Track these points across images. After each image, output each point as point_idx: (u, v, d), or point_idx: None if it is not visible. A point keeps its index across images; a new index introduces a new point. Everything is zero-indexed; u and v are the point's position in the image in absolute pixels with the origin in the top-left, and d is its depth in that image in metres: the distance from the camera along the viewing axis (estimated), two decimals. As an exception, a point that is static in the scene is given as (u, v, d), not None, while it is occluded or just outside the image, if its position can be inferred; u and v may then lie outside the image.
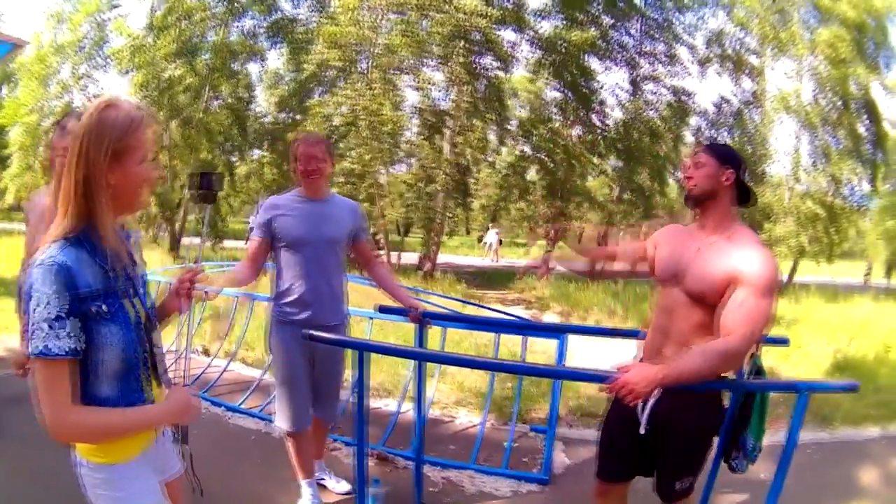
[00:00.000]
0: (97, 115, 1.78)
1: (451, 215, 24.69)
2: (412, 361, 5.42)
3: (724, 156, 2.94)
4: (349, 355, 4.20)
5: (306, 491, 4.19)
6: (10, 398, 4.81)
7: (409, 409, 5.68)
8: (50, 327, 1.64)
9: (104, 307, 1.76)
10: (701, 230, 2.99)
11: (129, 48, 26.23)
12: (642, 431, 2.92)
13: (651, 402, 2.86)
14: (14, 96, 34.71)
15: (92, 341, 1.73)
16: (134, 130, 1.81)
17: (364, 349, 3.54)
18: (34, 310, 1.66)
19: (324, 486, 4.44)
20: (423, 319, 4.28)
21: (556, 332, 5.85)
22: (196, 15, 25.16)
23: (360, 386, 3.53)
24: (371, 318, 6.08)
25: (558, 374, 4.76)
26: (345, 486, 4.47)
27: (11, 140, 33.68)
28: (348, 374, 4.68)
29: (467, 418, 6.05)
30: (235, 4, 25.15)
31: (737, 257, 2.72)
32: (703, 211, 2.97)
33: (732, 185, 2.89)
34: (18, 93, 33.82)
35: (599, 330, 7.02)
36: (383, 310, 4.40)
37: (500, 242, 36.38)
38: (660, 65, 24.41)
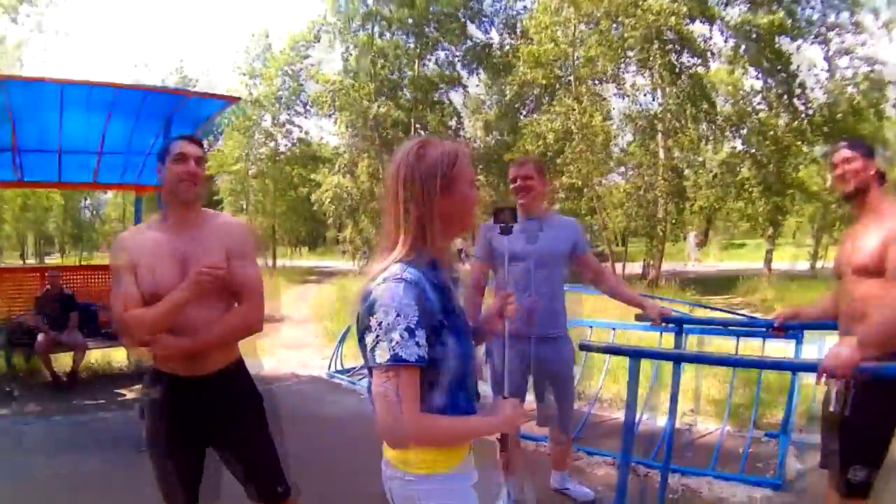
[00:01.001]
0: (418, 155, 1.93)
1: (673, 221, 24.28)
2: (651, 370, 5.76)
3: (865, 149, 3.22)
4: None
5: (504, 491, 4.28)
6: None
7: (647, 417, 5.74)
8: (402, 337, 1.75)
9: (445, 321, 1.87)
10: (859, 220, 3.28)
11: (328, 93, 28.27)
12: (831, 409, 3.09)
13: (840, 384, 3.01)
14: (216, 148, 38.11)
15: (435, 353, 1.83)
16: (456, 161, 1.95)
17: (637, 356, 3.60)
18: (381, 322, 1.77)
19: (567, 495, 4.57)
20: (668, 323, 4.33)
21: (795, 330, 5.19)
22: (389, 53, 27.19)
23: (632, 394, 3.57)
24: (613, 329, 6.38)
25: (782, 366, 4.57)
26: (588, 494, 4.58)
27: (221, 187, 36.88)
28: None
29: (703, 426, 6.09)
30: (426, 39, 27.03)
31: (889, 224, 3.00)
32: (859, 203, 3.24)
33: (876, 172, 3.15)
34: (222, 144, 37.47)
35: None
36: (640, 318, 4.36)
37: (699, 245, 35.80)
38: (848, 34, 23.57)
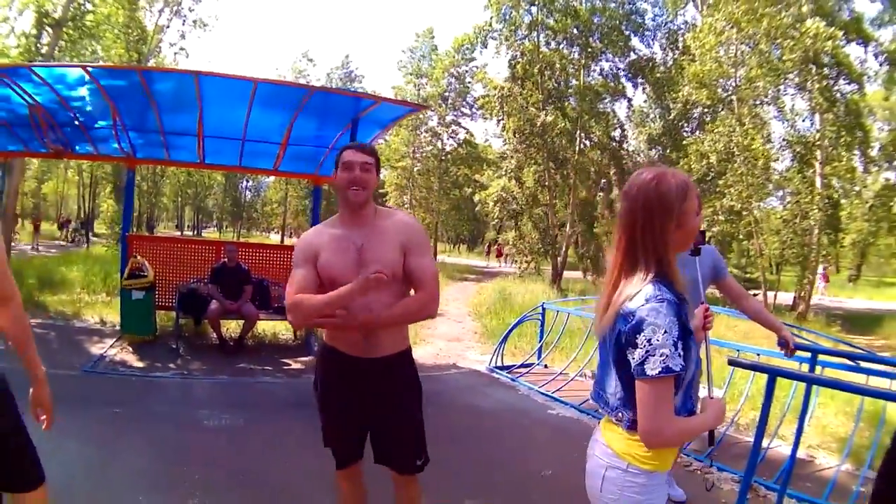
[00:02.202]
0: (656, 190, 2.12)
1: (824, 252, 24.29)
2: (787, 400, 6.18)
3: None
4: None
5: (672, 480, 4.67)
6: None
7: (776, 444, 6.05)
8: (670, 351, 1.95)
9: (689, 330, 2.08)
10: None
11: (496, 98, 29.88)
12: None
13: None
14: (379, 143, 40.48)
15: (685, 360, 2.01)
16: (688, 195, 2.13)
17: (775, 374, 3.86)
18: (650, 339, 1.98)
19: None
20: (801, 350, 4.56)
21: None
22: (556, 62, 28.29)
23: (765, 411, 3.82)
24: (758, 355, 6.29)
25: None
26: (680, 495, 4.88)
27: (387, 181, 39.95)
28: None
29: (825, 460, 6.21)
30: (590, 50, 28.15)
31: None
32: None
33: None
34: (388, 140, 40.14)
35: None
36: (780, 345, 4.44)
37: (827, 279, 34.36)
38: None
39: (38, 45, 20.03)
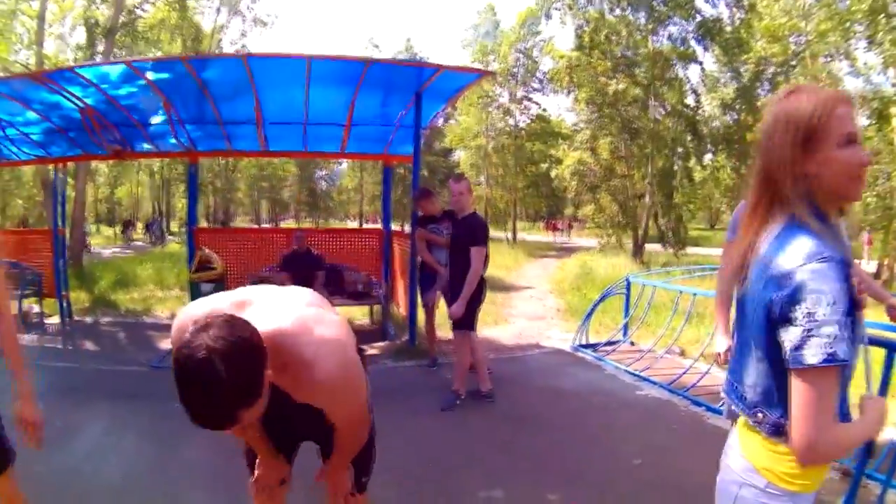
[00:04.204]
0: (782, 103, 1.81)
1: None
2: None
3: None
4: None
5: None
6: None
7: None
8: (837, 331, 1.55)
9: (858, 304, 1.62)
10: None
11: (565, 69, 29.77)
12: None
13: None
14: (450, 123, 42.11)
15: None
16: (823, 112, 1.73)
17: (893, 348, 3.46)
18: (812, 313, 1.58)
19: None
20: None
21: None
22: (622, 30, 28.18)
23: (884, 389, 3.44)
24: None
25: None
26: None
27: (462, 160, 41.09)
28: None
29: None
30: (656, 13, 27.80)
31: None
32: None
33: None
34: (459, 120, 41.13)
35: None
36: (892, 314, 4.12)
37: (870, 243, 31.92)
38: None
39: (94, 54, 21.05)
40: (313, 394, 2.29)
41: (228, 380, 1.73)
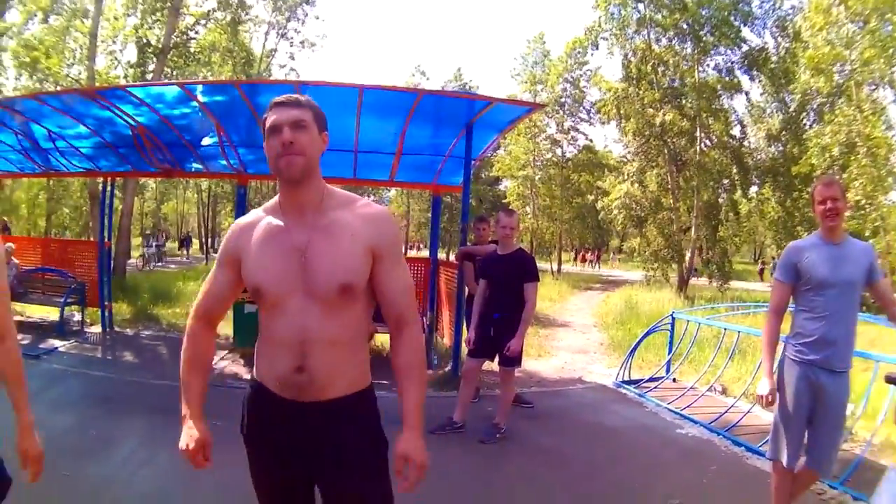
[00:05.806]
0: None
1: None
2: None
3: None
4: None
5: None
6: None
7: None
8: None
9: None
10: None
11: (612, 100, 30.12)
12: None
13: None
14: (498, 153, 42.14)
15: None
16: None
17: None
18: None
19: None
20: None
21: None
22: (669, 59, 28.32)
23: None
24: (877, 361, 5.87)
25: None
26: None
27: (509, 190, 41.90)
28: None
29: None
30: (702, 44, 27.96)
31: None
32: None
33: None
34: (506, 150, 41.10)
35: None
36: None
37: None
38: None
39: (145, 73, 21.39)
40: (372, 222, 2.29)
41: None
